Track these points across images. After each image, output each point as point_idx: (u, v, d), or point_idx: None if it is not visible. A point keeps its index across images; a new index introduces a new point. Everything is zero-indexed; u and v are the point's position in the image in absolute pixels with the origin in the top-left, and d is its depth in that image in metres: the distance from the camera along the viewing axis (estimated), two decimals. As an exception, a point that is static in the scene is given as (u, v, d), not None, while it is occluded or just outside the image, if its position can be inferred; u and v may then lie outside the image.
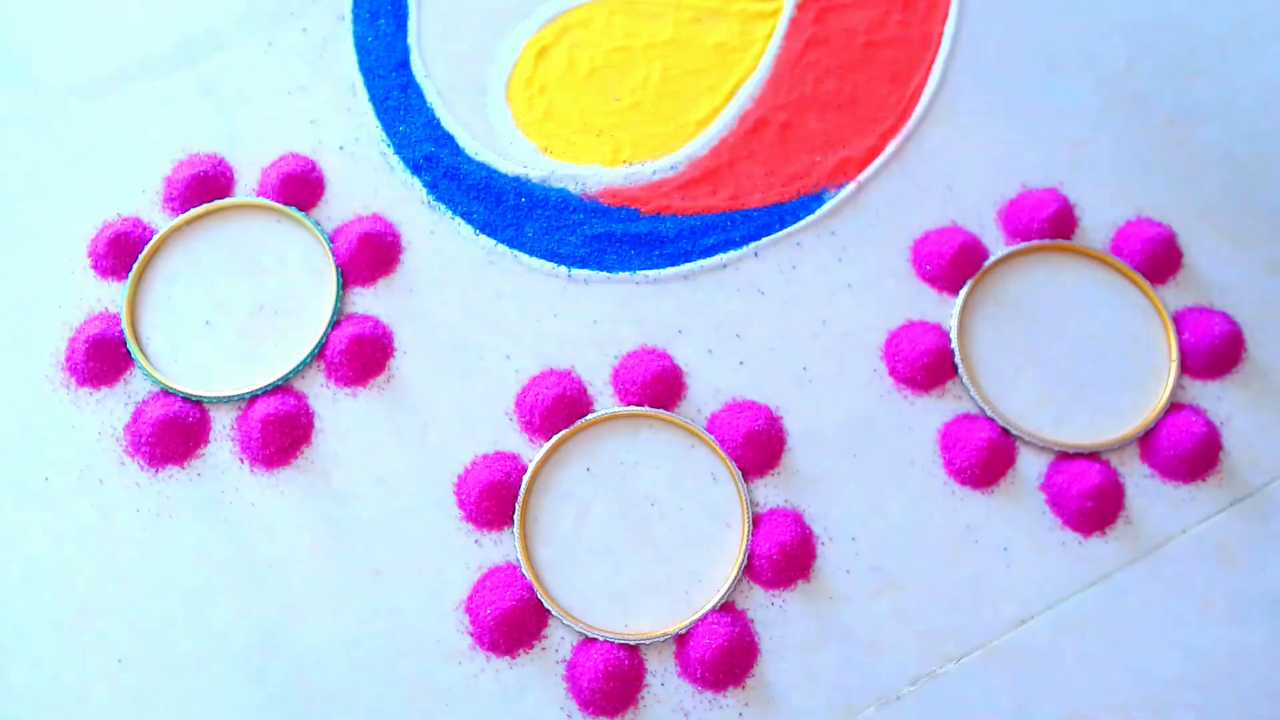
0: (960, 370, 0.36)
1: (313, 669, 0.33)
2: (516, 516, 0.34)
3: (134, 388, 0.36)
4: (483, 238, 0.38)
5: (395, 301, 0.37)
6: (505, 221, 0.39)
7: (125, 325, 0.36)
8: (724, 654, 0.32)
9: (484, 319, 0.37)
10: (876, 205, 0.39)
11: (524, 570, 0.33)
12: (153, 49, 0.41)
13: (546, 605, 0.33)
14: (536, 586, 0.33)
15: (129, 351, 0.36)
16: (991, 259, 0.37)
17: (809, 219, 0.39)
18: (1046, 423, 0.35)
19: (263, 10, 0.42)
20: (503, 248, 0.38)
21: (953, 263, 0.37)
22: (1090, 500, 0.34)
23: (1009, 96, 0.40)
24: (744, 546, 0.33)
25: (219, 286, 0.37)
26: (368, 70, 0.41)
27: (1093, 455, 0.35)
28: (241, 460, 0.35)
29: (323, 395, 0.36)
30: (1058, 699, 0.32)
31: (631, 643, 0.32)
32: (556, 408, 0.35)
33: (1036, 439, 0.35)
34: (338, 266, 0.37)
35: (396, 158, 0.40)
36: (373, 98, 0.41)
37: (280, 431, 0.35)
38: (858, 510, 0.34)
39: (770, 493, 0.35)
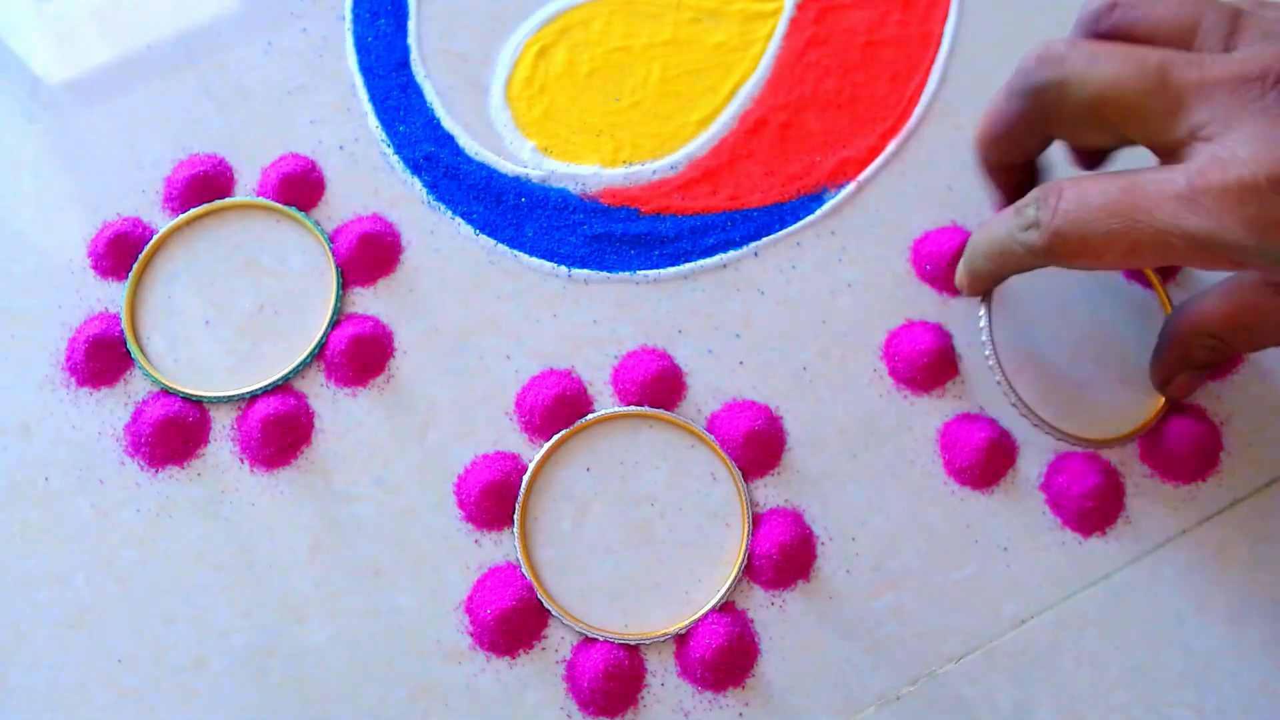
0: (961, 369, 0.36)
1: (313, 669, 0.33)
2: (516, 516, 0.34)
3: (134, 388, 0.36)
4: (483, 238, 0.38)
5: (395, 301, 0.37)
6: (505, 221, 0.39)
7: (125, 325, 0.36)
8: (724, 654, 0.32)
9: (484, 319, 0.37)
10: (876, 205, 0.39)
11: (524, 570, 0.33)
12: (153, 49, 0.41)
13: (546, 605, 0.33)
14: (536, 586, 0.33)
15: (129, 351, 0.36)
16: None
17: (809, 219, 0.39)
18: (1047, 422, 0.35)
19: (263, 10, 0.42)
20: (503, 248, 0.38)
21: (953, 262, 0.37)
22: (1090, 500, 0.34)
23: (1009, 96, 0.40)
24: (744, 546, 0.33)
25: (219, 286, 0.37)
26: (368, 70, 0.41)
27: (1093, 455, 0.35)
28: (241, 460, 0.35)
29: (323, 395, 0.36)
30: (1058, 699, 0.32)
31: (631, 643, 0.32)
32: (556, 408, 0.35)
33: (1044, 426, 0.34)
34: (338, 266, 0.37)
35: (396, 158, 0.40)
36: (373, 98, 0.41)
37: (280, 431, 0.35)
38: (858, 510, 0.34)
39: (770, 493, 0.35)
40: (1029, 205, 0.28)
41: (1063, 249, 0.27)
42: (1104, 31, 0.28)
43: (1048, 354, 0.36)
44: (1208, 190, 0.23)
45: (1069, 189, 0.27)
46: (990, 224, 0.30)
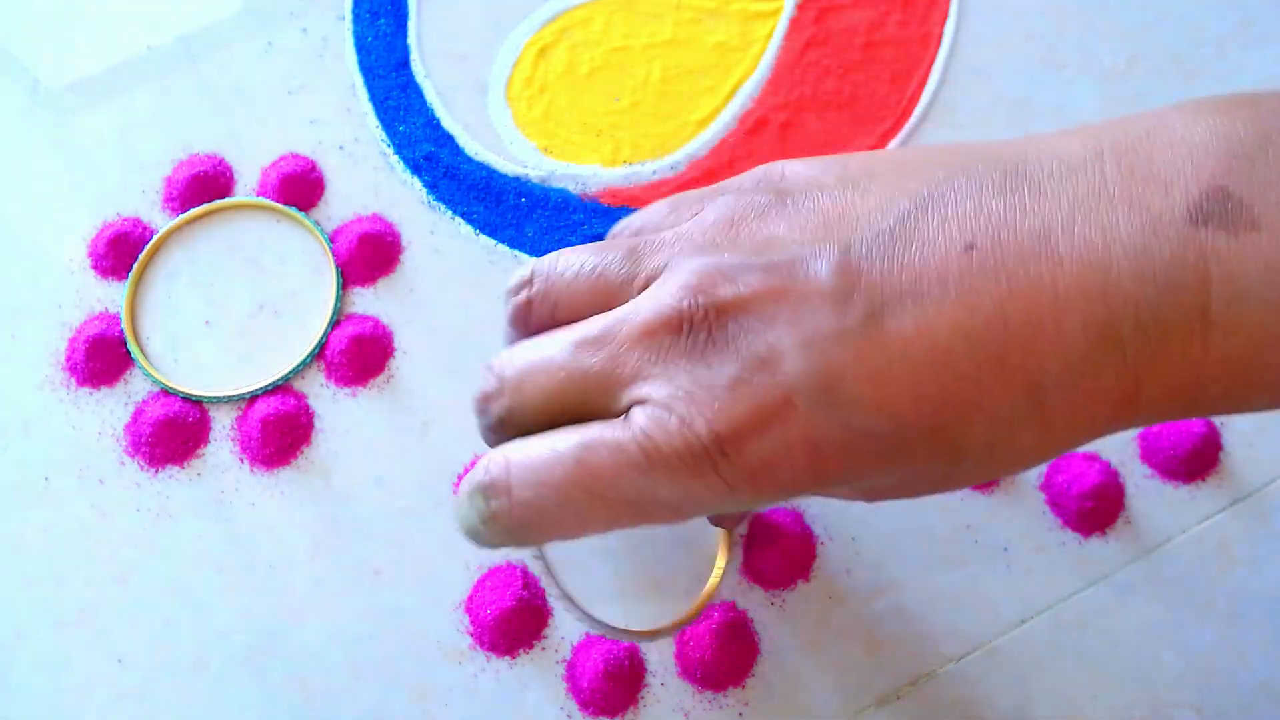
0: None
1: (313, 669, 0.33)
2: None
3: (134, 388, 0.36)
4: (483, 238, 0.38)
5: (395, 301, 0.37)
6: (505, 221, 0.39)
7: (125, 325, 0.36)
8: (724, 654, 0.32)
9: (484, 319, 0.37)
10: (876, 205, 0.39)
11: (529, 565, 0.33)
12: (153, 49, 0.41)
13: (543, 581, 0.33)
14: (537, 571, 0.33)
15: (129, 351, 0.36)
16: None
17: (809, 219, 0.38)
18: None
19: (263, 10, 0.42)
20: (503, 248, 0.38)
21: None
22: (1090, 500, 0.34)
23: (1009, 96, 0.40)
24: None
25: (219, 286, 0.37)
26: (368, 70, 0.41)
27: (1092, 455, 0.35)
28: (241, 460, 0.35)
29: (323, 395, 0.36)
30: (1058, 699, 0.32)
31: (626, 639, 0.32)
32: (556, 408, 0.35)
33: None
34: (338, 266, 0.37)
35: (396, 158, 0.40)
36: (373, 98, 0.41)
37: (280, 431, 0.35)
38: (858, 510, 0.34)
39: (770, 493, 0.35)
40: (476, 492, 0.23)
41: (536, 534, 0.23)
42: (535, 330, 0.25)
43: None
44: (659, 457, 0.20)
45: (517, 464, 0.22)
46: (456, 502, 0.24)
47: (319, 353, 0.36)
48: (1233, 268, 0.19)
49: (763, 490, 0.21)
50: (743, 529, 0.33)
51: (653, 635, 0.31)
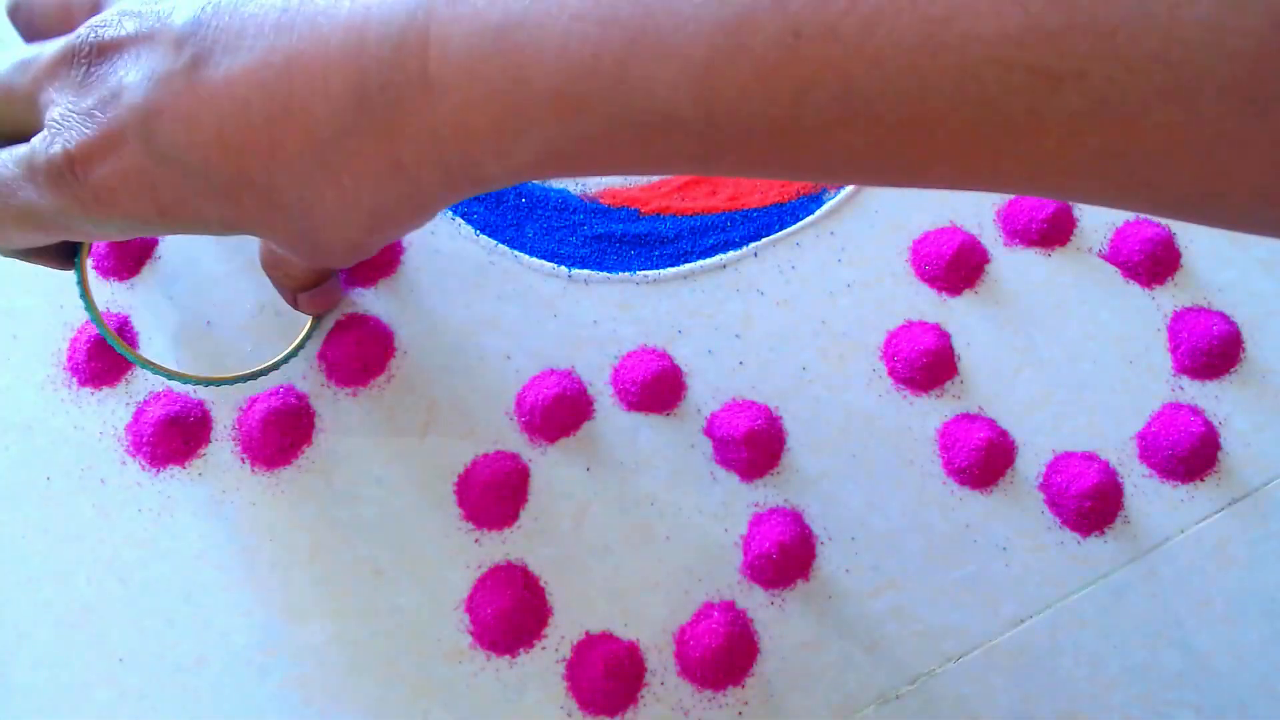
0: (960, 369, 0.36)
1: (313, 669, 0.33)
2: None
3: (135, 388, 0.36)
4: (483, 238, 0.38)
5: (395, 301, 0.37)
6: (505, 222, 0.39)
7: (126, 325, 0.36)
8: (724, 653, 0.32)
9: (484, 319, 0.37)
10: (876, 205, 0.39)
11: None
12: (154, 50, 0.41)
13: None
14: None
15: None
16: None
17: (809, 219, 0.39)
18: (1046, 422, 0.35)
19: (263, 11, 0.42)
20: (503, 248, 0.38)
21: (952, 263, 0.37)
22: (1089, 500, 0.34)
23: (1008, 97, 0.40)
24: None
25: (220, 287, 0.37)
26: (368, 71, 0.41)
27: (1091, 455, 0.35)
28: (242, 460, 0.35)
29: (323, 395, 0.36)
30: (1057, 699, 0.32)
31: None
32: (556, 408, 0.35)
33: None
34: (338, 267, 0.37)
35: (397, 158, 0.40)
36: (373, 98, 0.41)
37: (281, 431, 0.35)
38: (857, 510, 0.34)
39: (770, 493, 0.35)
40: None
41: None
42: (30, 41, 0.27)
43: (1046, 354, 0.36)
44: (34, 171, 0.24)
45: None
46: None
47: (319, 353, 0.36)
48: (447, 30, 0.20)
49: (114, 211, 0.24)
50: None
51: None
